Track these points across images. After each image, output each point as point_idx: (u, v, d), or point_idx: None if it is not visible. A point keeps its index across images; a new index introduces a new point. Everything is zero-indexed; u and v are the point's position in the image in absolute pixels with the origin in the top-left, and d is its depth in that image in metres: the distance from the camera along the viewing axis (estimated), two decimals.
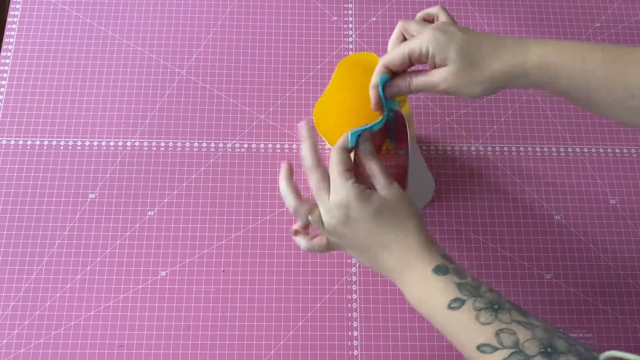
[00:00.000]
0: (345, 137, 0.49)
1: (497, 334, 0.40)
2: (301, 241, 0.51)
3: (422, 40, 0.48)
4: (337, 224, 0.46)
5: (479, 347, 0.41)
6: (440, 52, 0.47)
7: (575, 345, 0.40)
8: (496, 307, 0.42)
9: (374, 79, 0.51)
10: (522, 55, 0.46)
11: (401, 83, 0.51)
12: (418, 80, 0.50)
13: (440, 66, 0.48)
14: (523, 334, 0.40)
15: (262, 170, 0.69)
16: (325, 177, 0.48)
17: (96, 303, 0.64)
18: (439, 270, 0.44)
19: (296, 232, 0.52)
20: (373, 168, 0.48)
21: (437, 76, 0.48)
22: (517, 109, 0.72)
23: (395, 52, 0.50)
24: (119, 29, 0.74)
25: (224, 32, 0.75)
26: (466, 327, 0.42)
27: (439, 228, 0.68)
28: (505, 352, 0.40)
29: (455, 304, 0.42)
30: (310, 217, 0.48)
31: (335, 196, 0.46)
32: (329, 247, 0.50)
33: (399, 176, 0.58)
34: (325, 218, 0.47)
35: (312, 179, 0.48)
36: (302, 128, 0.50)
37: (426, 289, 0.44)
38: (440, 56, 0.47)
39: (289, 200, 0.49)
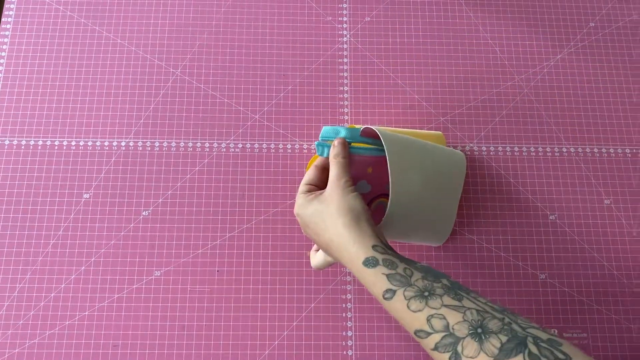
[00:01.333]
0: (318, 158, 0.55)
1: (428, 319, 0.42)
2: (311, 260, 0.58)
3: None
4: (304, 231, 0.53)
5: (415, 333, 0.43)
6: None
7: (510, 324, 0.40)
8: (426, 294, 0.43)
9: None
10: None
11: None
12: None
13: None
14: (453, 318, 0.41)
15: (256, 171, 0.69)
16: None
17: (91, 303, 0.64)
18: (367, 263, 0.46)
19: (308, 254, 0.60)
20: (330, 170, 0.52)
21: None
22: (512, 109, 0.72)
23: None
24: (114, 29, 0.74)
25: (218, 32, 0.75)
26: (402, 315, 0.44)
27: None
28: (437, 336, 0.41)
29: (388, 295, 0.44)
30: None
31: (295, 207, 0.53)
32: (324, 257, 0.56)
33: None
34: None
35: None
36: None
37: (364, 281, 0.46)
38: None
39: None
